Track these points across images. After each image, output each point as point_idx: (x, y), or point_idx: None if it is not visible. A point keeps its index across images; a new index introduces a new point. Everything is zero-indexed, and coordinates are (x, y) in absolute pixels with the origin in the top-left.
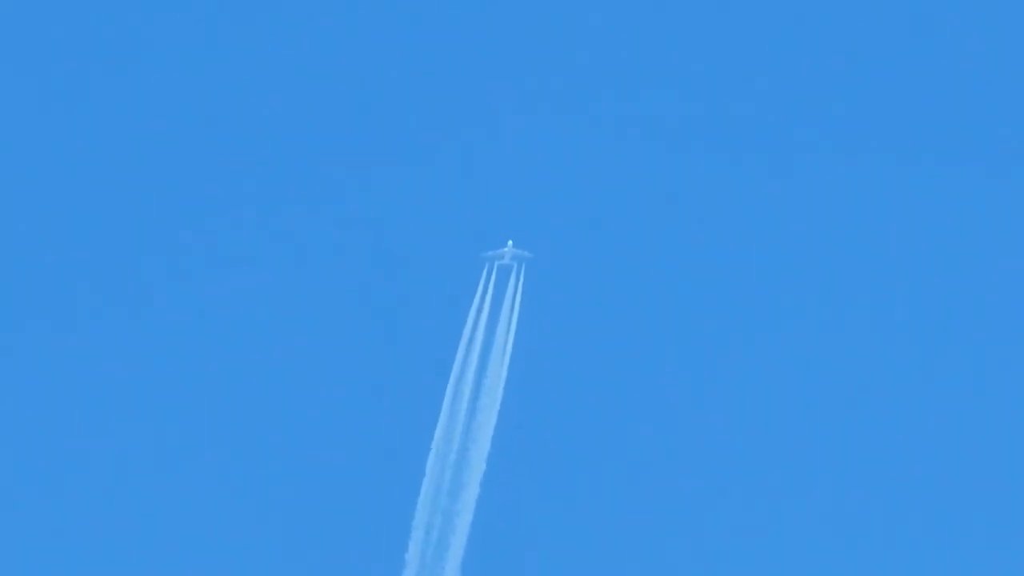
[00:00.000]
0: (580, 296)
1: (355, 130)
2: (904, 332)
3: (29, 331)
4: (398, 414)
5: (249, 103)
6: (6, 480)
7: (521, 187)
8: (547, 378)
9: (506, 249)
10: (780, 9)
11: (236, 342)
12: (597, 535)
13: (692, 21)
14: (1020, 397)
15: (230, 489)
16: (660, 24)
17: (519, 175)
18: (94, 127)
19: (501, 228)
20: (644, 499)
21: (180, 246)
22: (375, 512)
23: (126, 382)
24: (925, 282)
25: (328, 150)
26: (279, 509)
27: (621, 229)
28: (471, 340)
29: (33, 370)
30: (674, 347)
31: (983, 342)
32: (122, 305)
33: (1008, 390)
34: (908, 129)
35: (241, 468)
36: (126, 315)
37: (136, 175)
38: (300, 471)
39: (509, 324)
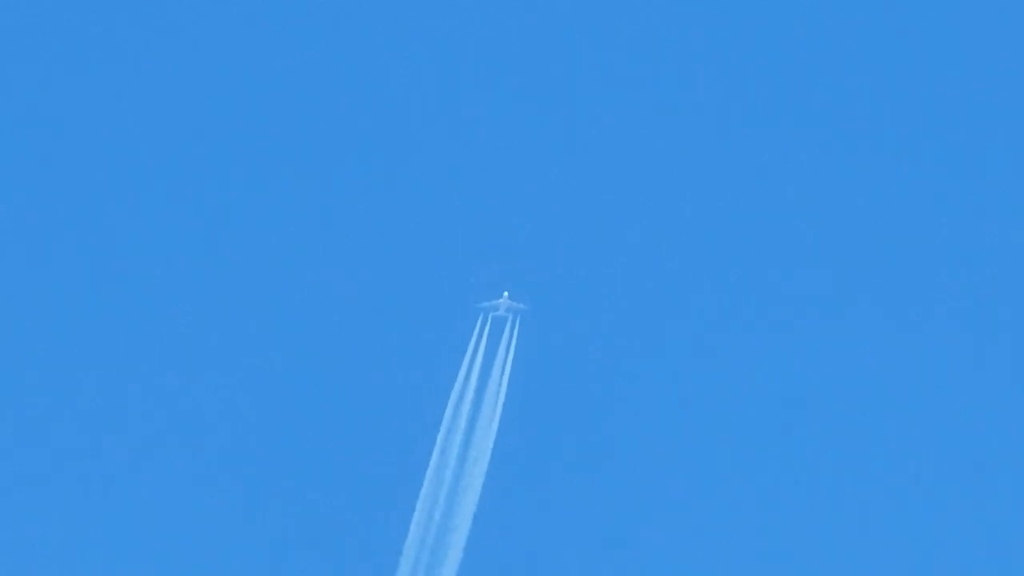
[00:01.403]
0: (574, 351)
1: (356, 173)
2: (901, 331)
3: (29, 331)
4: (385, 466)
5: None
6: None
7: (519, 239)
8: (537, 434)
9: (501, 300)
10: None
11: (229, 387)
12: None
13: (689, 80)
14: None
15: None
16: (660, 76)
17: (519, 227)
18: (91, 128)
19: (497, 279)
20: (633, 558)
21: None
22: (360, 561)
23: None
24: (923, 282)
25: (331, 191)
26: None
27: (617, 286)
28: (463, 391)
29: (34, 370)
30: (666, 410)
31: (981, 344)
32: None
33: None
34: (907, 130)
35: (225, 522)
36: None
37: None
38: (287, 513)
39: (501, 377)
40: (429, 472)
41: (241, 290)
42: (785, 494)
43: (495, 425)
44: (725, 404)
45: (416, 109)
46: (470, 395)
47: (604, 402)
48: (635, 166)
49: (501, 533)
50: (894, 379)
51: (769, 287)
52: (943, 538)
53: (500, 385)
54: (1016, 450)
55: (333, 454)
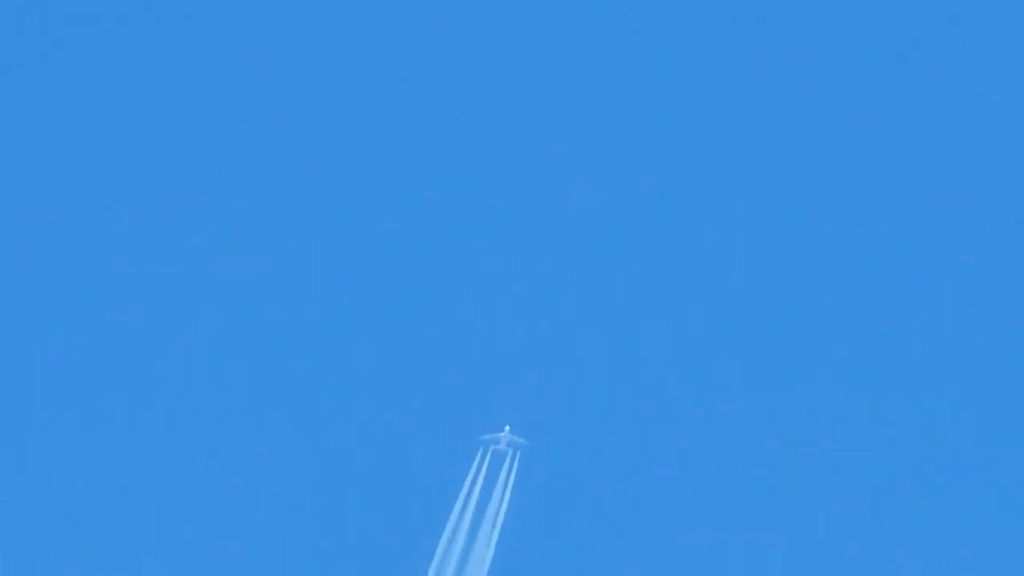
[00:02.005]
0: (572, 490)
1: (367, 300)
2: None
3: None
4: None
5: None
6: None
7: (527, 374)
8: (531, 571)
9: (502, 434)
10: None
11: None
12: None
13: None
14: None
15: None
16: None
17: (528, 362)
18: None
19: (501, 413)
20: None
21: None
22: None
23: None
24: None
25: (338, 315)
26: None
27: (622, 429)
28: (458, 523)
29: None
30: (664, 562)
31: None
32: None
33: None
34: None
35: None
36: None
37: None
38: None
39: (498, 511)
40: None
41: (242, 408)
42: None
43: (489, 560)
44: (725, 549)
45: (423, 244)
46: (465, 527)
47: (599, 546)
48: (640, 308)
49: None
50: None
51: (770, 435)
52: None
53: (496, 519)
54: None
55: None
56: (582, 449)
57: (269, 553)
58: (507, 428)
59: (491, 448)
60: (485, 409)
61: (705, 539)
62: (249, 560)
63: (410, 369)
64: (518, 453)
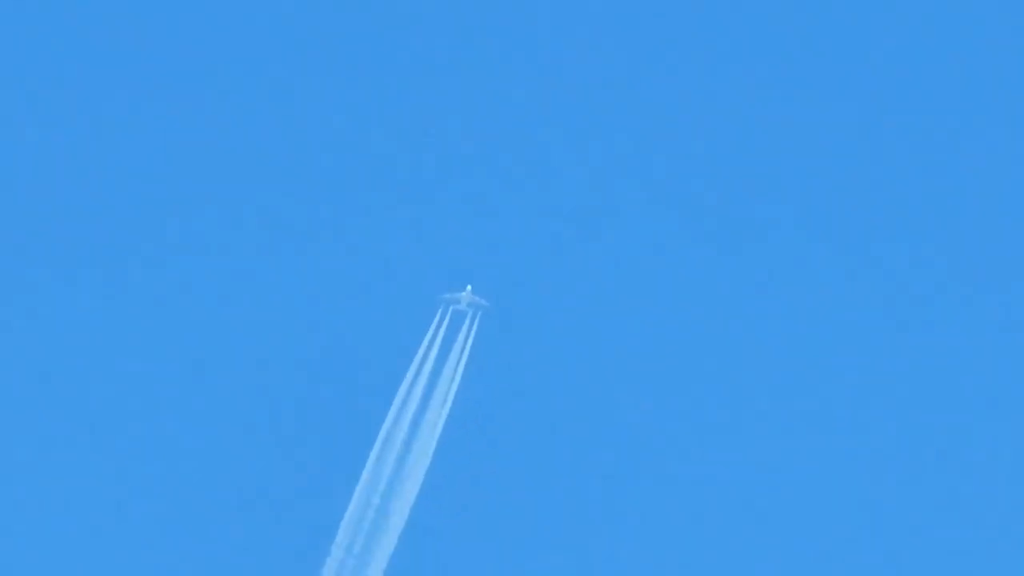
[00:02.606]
0: (531, 355)
1: (336, 161)
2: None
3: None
4: (327, 449)
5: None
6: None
7: (493, 237)
8: (485, 439)
9: (464, 294)
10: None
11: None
12: None
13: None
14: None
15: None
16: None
17: (495, 225)
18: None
19: (465, 272)
20: (569, 560)
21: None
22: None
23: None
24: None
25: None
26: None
27: (587, 296)
28: (413, 382)
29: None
30: (622, 424)
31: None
32: None
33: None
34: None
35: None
36: None
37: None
38: (231, 485)
39: (454, 372)
40: (367, 467)
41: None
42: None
43: (443, 419)
44: (679, 429)
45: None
46: (421, 386)
47: (554, 411)
48: (617, 173)
49: (433, 536)
50: None
51: (735, 297)
52: None
53: (452, 380)
54: None
55: (274, 438)
56: (543, 314)
57: (218, 409)
58: (469, 288)
59: (451, 308)
60: (448, 267)
61: (663, 411)
62: (206, 424)
63: (375, 224)
64: (478, 314)
